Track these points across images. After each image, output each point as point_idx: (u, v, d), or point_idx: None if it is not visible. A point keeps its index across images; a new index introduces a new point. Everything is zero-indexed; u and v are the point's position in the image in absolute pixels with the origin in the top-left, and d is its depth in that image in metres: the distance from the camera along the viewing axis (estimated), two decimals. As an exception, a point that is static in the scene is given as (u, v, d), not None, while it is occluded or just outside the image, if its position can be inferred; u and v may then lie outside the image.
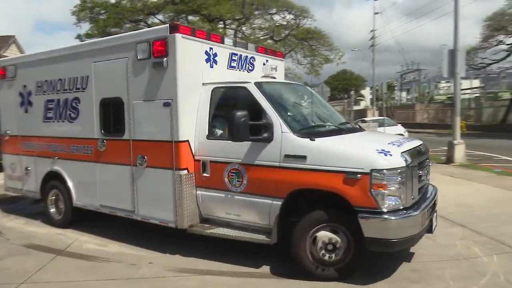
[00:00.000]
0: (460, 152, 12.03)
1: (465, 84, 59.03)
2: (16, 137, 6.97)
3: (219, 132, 4.85)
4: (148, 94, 5.00)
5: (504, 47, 31.58)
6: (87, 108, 5.78)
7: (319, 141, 4.15)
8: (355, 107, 76.43)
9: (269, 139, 4.30)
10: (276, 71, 5.78)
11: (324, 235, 4.06)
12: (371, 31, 38.73)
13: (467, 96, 50.60)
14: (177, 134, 4.74)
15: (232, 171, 4.59)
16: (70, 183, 6.11)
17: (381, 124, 19.92)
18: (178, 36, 4.66)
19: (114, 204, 5.57)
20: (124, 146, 5.31)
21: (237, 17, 26.75)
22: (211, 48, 5.09)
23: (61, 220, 6.38)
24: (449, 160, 12.13)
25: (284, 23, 30.18)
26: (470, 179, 9.48)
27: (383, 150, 3.95)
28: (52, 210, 6.49)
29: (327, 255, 4.07)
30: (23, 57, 7.63)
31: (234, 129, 4.19)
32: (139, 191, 5.21)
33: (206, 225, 4.93)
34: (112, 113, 5.53)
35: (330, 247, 4.05)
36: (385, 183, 3.76)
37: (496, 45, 33.20)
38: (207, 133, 4.81)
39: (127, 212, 5.43)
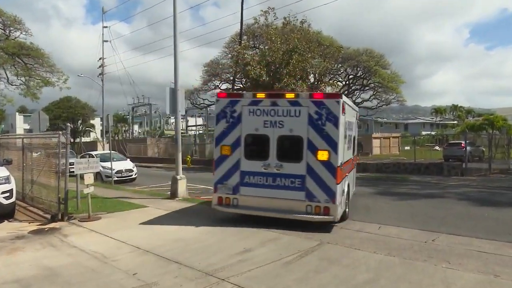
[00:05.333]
0: (182, 186, 12.34)
1: (191, 121, 61.05)
2: None
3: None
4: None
5: (219, 90, 34.47)
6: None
7: None
8: (85, 139, 64.48)
9: None
10: None
11: None
12: (100, 58, 33.57)
13: (193, 133, 53.52)
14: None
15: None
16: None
17: (108, 158, 17.22)
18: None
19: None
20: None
21: None
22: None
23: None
24: (173, 195, 12.20)
25: (-14, 30, 25.41)
26: (186, 212, 9.86)
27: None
28: None
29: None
30: None
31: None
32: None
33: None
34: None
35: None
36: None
37: (213, 89, 36.55)
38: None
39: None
